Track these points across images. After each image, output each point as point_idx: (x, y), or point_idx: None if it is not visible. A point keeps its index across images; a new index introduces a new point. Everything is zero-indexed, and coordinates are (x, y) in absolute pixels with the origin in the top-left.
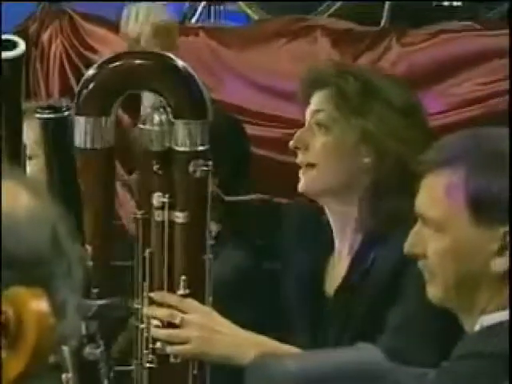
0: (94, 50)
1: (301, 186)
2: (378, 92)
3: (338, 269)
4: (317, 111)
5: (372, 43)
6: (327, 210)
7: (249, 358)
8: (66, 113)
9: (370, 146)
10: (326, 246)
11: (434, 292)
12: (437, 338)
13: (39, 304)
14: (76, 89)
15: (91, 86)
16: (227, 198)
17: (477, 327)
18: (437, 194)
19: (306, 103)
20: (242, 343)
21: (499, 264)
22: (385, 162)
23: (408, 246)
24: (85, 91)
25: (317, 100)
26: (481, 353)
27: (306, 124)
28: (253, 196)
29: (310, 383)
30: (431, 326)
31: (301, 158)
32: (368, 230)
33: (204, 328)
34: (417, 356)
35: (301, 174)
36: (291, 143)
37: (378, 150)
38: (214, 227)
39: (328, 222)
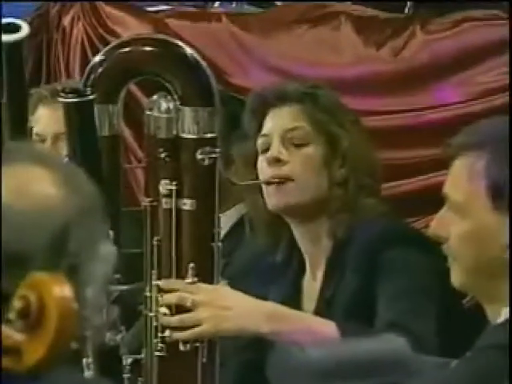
0: (115, 34)
1: (276, 202)
2: (341, 105)
3: (313, 285)
4: (291, 129)
5: (396, 31)
6: (294, 228)
7: (262, 326)
8: (91, 96)
9: (344, 157)
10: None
11: (454, 276)
12: (434, 312)
13: (62, 289)
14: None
15: (98, 72)
16: (240, 183)
17: (501, 318)
18: (461, 177)
19: (260, 118)
20: (252, 312)
21: None
22: (356, 172)
23: (432, 228)
24: (92, 77)
25: (289, 116)
26: (503, 345)
27: (279, 139)
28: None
29: (331, 371)
30: (425, 299)
31: (276, 172)
32: (338, 236)
33: (213, 306)
34: (419, 325)
35: (273, 188)
36: (270, 158)
37: (350, 161)
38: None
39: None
